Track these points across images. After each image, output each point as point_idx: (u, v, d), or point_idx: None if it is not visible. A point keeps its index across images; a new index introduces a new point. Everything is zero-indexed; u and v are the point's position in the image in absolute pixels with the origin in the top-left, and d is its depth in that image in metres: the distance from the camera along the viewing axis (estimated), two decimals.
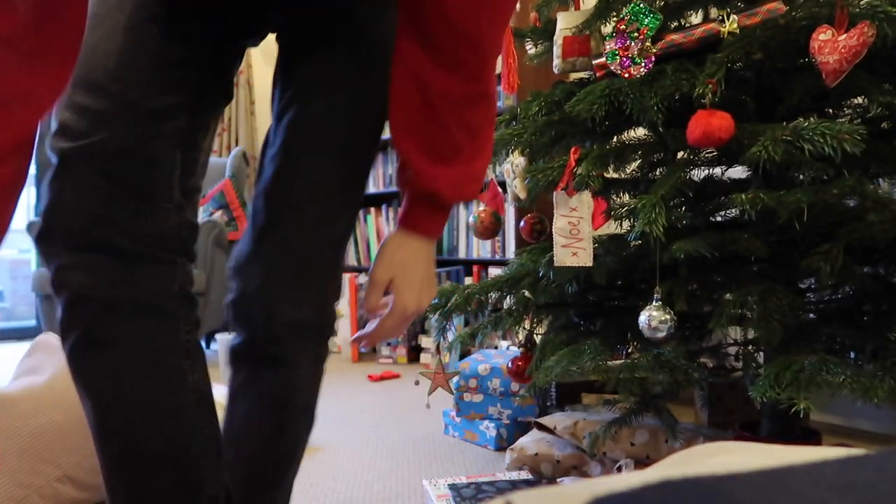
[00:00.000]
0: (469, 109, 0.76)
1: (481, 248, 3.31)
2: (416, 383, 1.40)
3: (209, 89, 0.78)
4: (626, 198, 1.43)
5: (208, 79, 0.78)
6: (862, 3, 1.05)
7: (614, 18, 1.26)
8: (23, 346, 3.84)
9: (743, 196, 1.02)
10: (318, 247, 0.78)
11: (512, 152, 1.43)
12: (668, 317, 1.14)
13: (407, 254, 0.78)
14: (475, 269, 3.29)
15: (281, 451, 0.83)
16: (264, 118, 4.51)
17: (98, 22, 0.71)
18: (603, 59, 1.25)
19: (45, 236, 0.66)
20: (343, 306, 3.51)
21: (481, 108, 0.78)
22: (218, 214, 3.45)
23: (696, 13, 1.41)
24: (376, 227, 3.76)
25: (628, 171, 1.40)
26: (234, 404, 0.83)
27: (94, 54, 0.69)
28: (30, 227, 3.27)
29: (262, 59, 4.50)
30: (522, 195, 1.56)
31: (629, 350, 1.35)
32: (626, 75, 1.19)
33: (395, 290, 0.77)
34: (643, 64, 1.18)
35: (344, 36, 0.81)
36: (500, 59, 1.13)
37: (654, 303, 1.16)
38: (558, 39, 1.37)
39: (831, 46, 1.01)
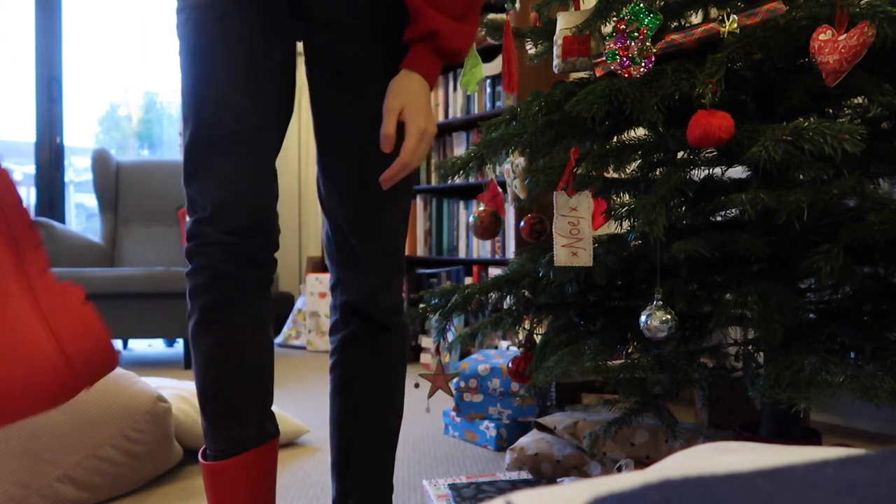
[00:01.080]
0: None
1: (481, 248, 3.31)
2: (416, 386, 1.39)
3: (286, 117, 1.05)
4: (626, 198, 1.43)
5: (288, 101, 1.05)
6: (862, 3, 1.05)
7: (614, 18, 1.26)
8: None
9: (743, 196, 1.02)
10: (396, 255, 1.11)
11: (512, 152, 1.43)
12: (668, 317, 1.14)
13: (412, 86, 0.98)
14: (475, 269, 3.29)
15: (399, 404, 1.18)
16: None
17: (214, 67, 0.94)
18: (603, 59, 1.25)
19: (212, 216, 0.92)
20: None
21: None
22: None
23: (696, 13, 1.41)
24: None
25: (628, 171, 1.40)
26: (350, 386, 1.14)
27: (219, 104, 0.94)
28: None
29: None
30: (522, 195, 1.56)
31: (629, 350, 1.35)
32: (626, 75, 1.19)
33: (408, 114, 0.96)
34: (643, 64, 1.18)
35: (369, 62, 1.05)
36: (500, 59, 1.15)
37: (654, 303, 1.16)
38: (558, 39, 1.37)
39: (831, 46, 1.01)
